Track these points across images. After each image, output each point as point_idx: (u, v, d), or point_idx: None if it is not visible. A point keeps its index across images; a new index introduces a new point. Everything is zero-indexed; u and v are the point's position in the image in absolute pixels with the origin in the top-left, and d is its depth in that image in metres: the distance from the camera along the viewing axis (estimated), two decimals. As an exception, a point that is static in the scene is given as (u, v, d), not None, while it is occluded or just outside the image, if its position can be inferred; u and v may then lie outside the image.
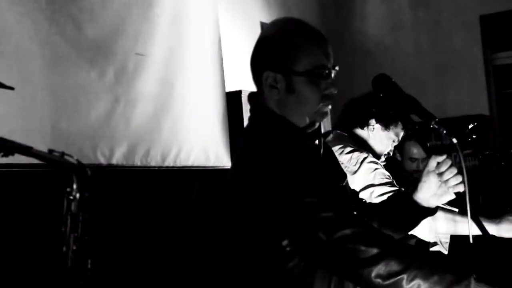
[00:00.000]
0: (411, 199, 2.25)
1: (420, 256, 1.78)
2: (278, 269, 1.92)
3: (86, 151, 3.94)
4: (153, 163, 4.48)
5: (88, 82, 4.07)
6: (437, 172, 2.16)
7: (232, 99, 5.18)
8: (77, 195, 1.45)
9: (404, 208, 2.28)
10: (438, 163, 2.16)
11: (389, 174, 3.11)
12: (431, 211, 2.28)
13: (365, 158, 3.13)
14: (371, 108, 3.21)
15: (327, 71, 2.01)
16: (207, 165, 4.93)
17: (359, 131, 3.30)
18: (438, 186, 2.18)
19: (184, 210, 4.88)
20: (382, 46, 7.32)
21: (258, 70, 2.05)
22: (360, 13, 7.54)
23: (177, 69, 4.76)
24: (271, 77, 1.99)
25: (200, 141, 4.87)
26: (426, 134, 3.29)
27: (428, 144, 3.97)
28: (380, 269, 1.75)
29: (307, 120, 2.05)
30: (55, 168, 1.44)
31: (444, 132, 2.13)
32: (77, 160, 1.47)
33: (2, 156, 1.43)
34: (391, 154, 3.31)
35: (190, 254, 4.84)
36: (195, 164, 4.82)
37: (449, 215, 3.00)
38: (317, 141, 2.14)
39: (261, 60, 2.04)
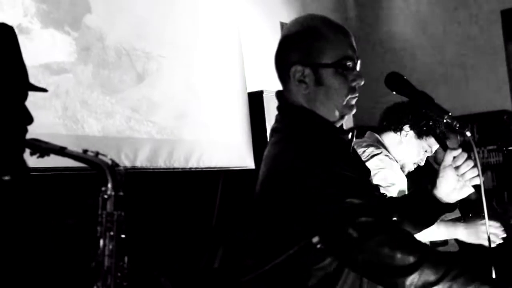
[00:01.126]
0: (431, 195, 2.25)
1: (456, 267, 1.76)
2: (312, 267, 1.91)
3: (110, 154, 3.95)
4: (176, 165, 4.49)
5: (111, 86, 4.10)
6: (454, 166, 2.16)
7: (254, 100, 5.18)
8: (112, 194, 1.46)
9: (424, 204, 2.27)
10: (454, 157, 2.16)
11: (393, 182, 3.07)
12: (450, 207, 2.27)
13: (377, 154, 3.12)
14: (408, 115, 3.21)
15: (353, 62, 2.01)
16: (230, 166, 4.94)
17: (391, 135, 3.28)
18: (456, 180, 2.18)
19: (208, 211, 4.90)
20: (404, 44, 7.28)
21: (285, 66, 2.03)
22: (379, 12, 7.51)
23: (199, 71, 4.78)
24: (299, 72, 1.98)
25: (223, 142, 4.88)
26: (442, 130, 3.26)
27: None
28: (414, 278, 1.73)
29: (337, 114, 2.03)
30: (89, 167, 1.46)
31: (458, 126, 2.11)
32: (111, 159, 1.48)
33: (38, 157, 1.44)
34: (422, 163, 3.26)
35: (214, 254, 4.85)
36: (218, 165, 4.83)
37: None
38: (349, 136, 2.14)
39: (287, 56, 2.03)
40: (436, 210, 2.27)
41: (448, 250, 3.99)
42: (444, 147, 2.43)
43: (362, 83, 2.03)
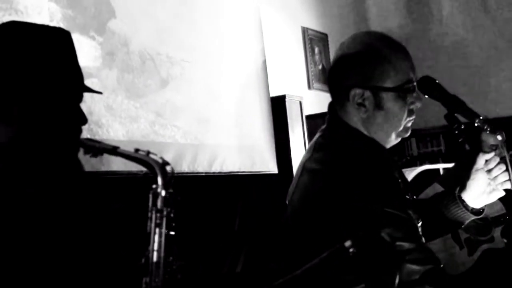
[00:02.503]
0: (458, 199, 2.23)
1: None
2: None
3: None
4: (200, 169, 4.49)
5: (136, 90, 4.12)
6: (485, 169, 2.15)
7: (277, 104, 5.19)
8: (162, 192, 1.48)
9: (451, 208, 2.26)
10: (486, 161, 2.15)
11: None
12: (478, 212, 2.25)
13: None
14: None
15: (413, 85, 1.99)
16: (253, 171, 4.94)
17: None
18: (487, 183, 2.17)
19: (230, 215, 4.90)
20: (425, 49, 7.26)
21: (343, 87, 1.99)
22: (398, 17, 7.51)
23: (222, 75, 4.79)
24: (358, 95, 1.95)
25: (246, 147, 4.89)
26: (473, 133, 3.33)
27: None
28: None
29: (393, 137, 2.03)
30: (142, 165, 1.48)
31: (489, 129, 2.10)
32: (161, 158, 1.50)
33: (91, 156, 1.47)
34: None
35: (236, 259, 4.85)
36: (241, 170, 4.83)
37: None
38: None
39: (347, 78, 1.99)
40: (463, 215, 2.26)
41: (496, 247, 4.00)
42: (475, 150, 2.42)
43: (420, 105, 2.01)
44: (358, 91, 1.95)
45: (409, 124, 2.03)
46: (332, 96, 2.07)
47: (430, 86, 2.13)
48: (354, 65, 1.98)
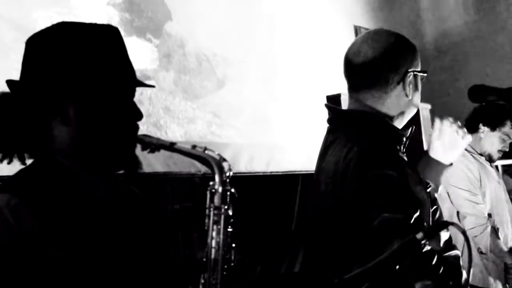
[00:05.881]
0: None
1: None
2: None
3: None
4: (257, 169, 4.51)
5: (192, 92, 4.16)
6: None
7: (332, 102, 5.14)
8: (220, 189, 1.48)
9: None
10: None
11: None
12: None
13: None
14: (479, 114, 3.70)
15: None
16: (310, 170, 4.91)
17: (472, 135, 3.57)
18: None
19: (288, 215, 4.90)
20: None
21: (393, 73, 2.04)
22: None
23: (278, 75, 4.80)
24: (409, 76, 2.03)
25: (302, 145, 4.88)
26: None
27: None
28: None
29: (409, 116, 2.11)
30: (199, 162, 1.48)
31: None
32: (218, 154, 1.50)
33: (149, 152, 1.48)
34: (507, 149, 3.69)
35: (294, 259, 4.85)
36: (298, 169, 4.83)
37: None
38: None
39: (395, 64, 2.05)
40: None
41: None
42: None
43: None
44: (408, 72, 2.03)
45: None
46: (368, 85, 2.09)
47: (483, 93, 2.16)
48: (399, 52, 2.06)
